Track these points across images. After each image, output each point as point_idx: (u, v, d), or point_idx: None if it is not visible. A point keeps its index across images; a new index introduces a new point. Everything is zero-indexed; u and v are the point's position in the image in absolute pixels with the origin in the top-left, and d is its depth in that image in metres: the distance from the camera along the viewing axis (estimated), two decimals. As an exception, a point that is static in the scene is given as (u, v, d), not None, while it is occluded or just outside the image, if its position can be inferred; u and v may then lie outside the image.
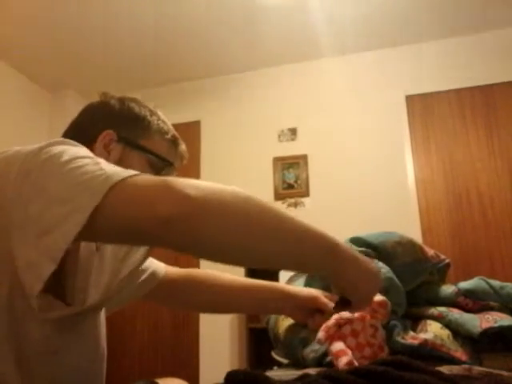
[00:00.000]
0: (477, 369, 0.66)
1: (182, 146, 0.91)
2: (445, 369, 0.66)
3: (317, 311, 0.94)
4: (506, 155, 3.11)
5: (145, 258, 0.86)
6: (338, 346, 0.83)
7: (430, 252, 1.03)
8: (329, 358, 0.86)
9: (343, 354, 0.80)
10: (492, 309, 0.93)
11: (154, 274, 0.96)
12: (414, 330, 0.90)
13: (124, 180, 0.55)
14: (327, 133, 3.45)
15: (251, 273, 2.69)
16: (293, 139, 3.52)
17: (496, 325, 0.85)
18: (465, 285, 0.98)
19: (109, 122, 0.83)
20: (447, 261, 1.05)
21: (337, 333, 0.85)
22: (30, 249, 0.56)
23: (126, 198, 0.54)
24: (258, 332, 2.94)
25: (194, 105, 3.79)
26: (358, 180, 3.28)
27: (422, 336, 0.84)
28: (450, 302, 0.96)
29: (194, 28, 3.19)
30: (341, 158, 3.37)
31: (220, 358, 3.21)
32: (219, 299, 1.04)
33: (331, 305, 0.93)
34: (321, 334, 0.85)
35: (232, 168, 3.56)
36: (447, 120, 3.28)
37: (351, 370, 0.57)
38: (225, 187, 0.58)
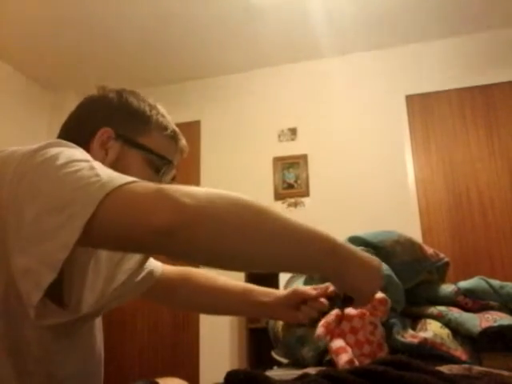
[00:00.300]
0: (477, 368, 0.66)
1: (182, 141, 0.89)
2: (445, 368, 0.66)
3: (301, 304, 0.94)
4: (505, 155, 3.11)
5: (140, 266, 0.85)
6: (338, 343, 0.83)
7: (429, 251, 1.03)
8: (328, 357, 0.86)
9: (343, 352, 0.80)
10: (492, 308, 0.93)
11: (151, 273, 0.95)
12: (414, 328, 0.90)
13: (120, 187, 0.54)
14: (327, 133, 3.45)
15: (251, 275, 2.68)
16: (293, 139, 3.52)
17: (496, 324, 0.85)
18: (465, 284, 0.98)
19: (107, 118, 0.81)
20: (446, 260, 1.05)
21: (336, 329, 0.85)
22: (27, 255, 0.55)
23: (122, 206, 0.53)
24: (258, 332, 2.94)
25: (194, 105, 3.79)
26: (357, 180, 3.28)
27: (422, 335, 0.84)
28: (450, 302, 0.96)
29: (194, 28, 3.19)
30: (341, 158, 3.37)
31: (220, 358, 3.21)
32: (215, 302, 1.03)
33: (312, 292, 0.93)
34: (320, 330, 0.85)
35: (232, 168, 3.56)
36: (447, 120, 3.28)
37: (351, 370, 0.57)
38: (221, 194, 0.57)
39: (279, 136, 3.55)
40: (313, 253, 0.64)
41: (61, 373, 0.70)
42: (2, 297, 0.61)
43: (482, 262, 2.97)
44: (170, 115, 0.89)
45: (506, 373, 0.63)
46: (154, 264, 0.98)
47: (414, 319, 0.95)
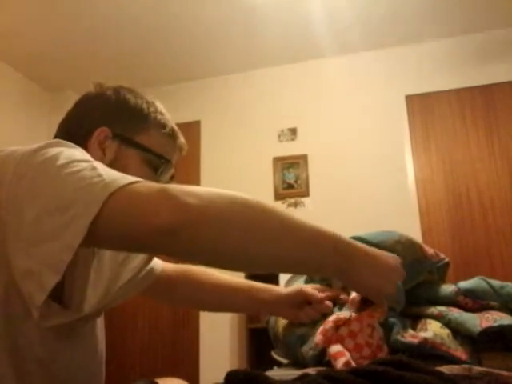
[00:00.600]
0: (477, 369, 0.66)
1: (181, 139, 0.88)
2: (445, 369, 0.66)
3: (305, 304, 0.94)
4: (505, 155, 3.11)
5: (145, 264, 0.85)
6: (336, 348, 0.83)
7: (430, 251, 1.03)
8: (328, 358, 0.86)
9: (341, 356, 0.80)
10: (492, 308, 0.93)
11: (151, 271, 0.95)
12: (414, 328, 0.90)
13: (124, 187, 0.54)
14: (327, 133, 3.45)
15: (251, 274, 2.68)
16: (293, 139, 3.52)
17: (496, 324, 0.85)
18: (465, 284, 0.98)
19: (104, 117, 0.81)
20: (447, 260, 1.05)
21: (334, 335, 0.85)
22: (27, 256, 0.54)
23: (126, 206, 0.53)
24: (258, 332, 2.94)
25: (193, 105, 3.79)
26: (357, 180, 3.28)
27: (422, 335, 0.84)
28: (450, 302, 0.96)
29: (194, 28, 3.19)
30: (341, 158, 3.37)
31: (220, 358, 3.21)
32: (215, 298, 1.03)
33: (318, 294, 0.93)
34: (318, 338, 0.85)
35: (232, 168, 3.56)
36: (447, 120, 3.28)
37: (351, 370, 0.57)
38: (224, 193, 0.57)
39: (279, 136, 3.55)
40: (316, 251, 0.63)
41: (63, 373, 0.70)
42: (3, 298, 0.61)
43: (481, 262, 2.97)
44: (170, 115, 0.89)
45: (505, 373, 0.63)
46: (155, 261, 0.98)
47: (414, 319, 0.95)
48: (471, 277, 1.01)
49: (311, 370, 0.73)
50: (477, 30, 3.28)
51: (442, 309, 0.93)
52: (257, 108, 3.66)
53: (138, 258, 0.83)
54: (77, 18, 3.05)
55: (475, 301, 0.96)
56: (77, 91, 3.72)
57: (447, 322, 0.90)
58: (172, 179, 0.88)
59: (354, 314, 0.86)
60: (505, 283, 0.98)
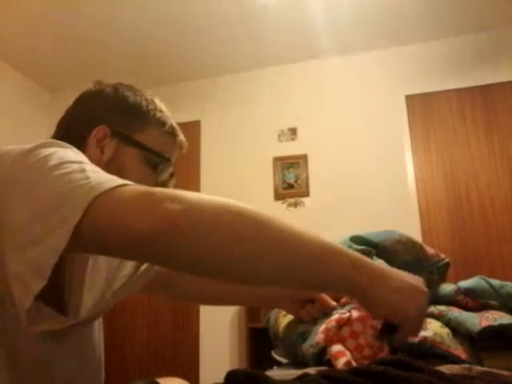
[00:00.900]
0: (477, 368, 0.66)
1: (181, 137, 0.87)
2: (445, 368, 0.66)
3: (308, 302, 0.93)
4: (505, 155, 3.11)
5: (135, 270, 0.84)
6: (337, 347, 0.83)
7: (430, 251, 1.03)
8: (328, 356, 0.86)
9: (342, 356, 0.80)
10: (492, 307, 0.94)
11: (150, 267, 0.94)
12: (414, 328, 0.90)
13: (109, 191, 0.52)
14: (327, 133, 3.45)
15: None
16: (293, 139, 3.52)
17: (496, 323, 0.85)
18: (465, 284, 0.98)
19: (103, 115, 0.80)
20: (447, 260, 1.05)
21: (336, 335, 0.85)
22: (18, 258, 0.54)
23: (107, 211, 0.51)
24: (258, 332, 2.94)
25: (193, 105, 3.79)
26: (357, 180, 3.28)
27: (422, 333, 0.84)
28: (450, 301, 0.97)
29: (193, 28, 3.19)
30: (341, 158, 3.37)
31: (220, 358, 3.21)
32: (217, 292, 1.02)
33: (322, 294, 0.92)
34: (320, 337, 0.85)
35: (232, 168, 3.56)
36: (447, 120, 3.28)
37: (351, 370, 0.57)
38: (217, 200, 0.53)
39: (279, 136, 3.55)
40: (328, 267, 0.57)
41: (61, 375, 0.69)
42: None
43: (481, 262, 2.97)
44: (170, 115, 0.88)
45: (505, 373, 0.63)
46: None
47: (414, 319, 0.95)
48: (471, 276, 1.01)
49: (311, 370, 0.73)
50: (477, 30, 3.28)
51: (442, 308, 0.93)
52: (257, 108, 3.66)
53: (131, 264, 0.82)
54: (77, 18, 3.05)
55: (475, 300, 0.96)
56: (77, 91, 3.71)
57: (447, 321, 0.90)
58: (172, 177, 0.87)
59: (354, 312, 0.86)
60: (505, 283, 0.98)
